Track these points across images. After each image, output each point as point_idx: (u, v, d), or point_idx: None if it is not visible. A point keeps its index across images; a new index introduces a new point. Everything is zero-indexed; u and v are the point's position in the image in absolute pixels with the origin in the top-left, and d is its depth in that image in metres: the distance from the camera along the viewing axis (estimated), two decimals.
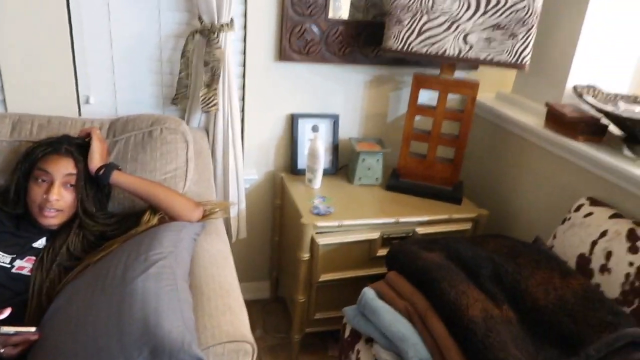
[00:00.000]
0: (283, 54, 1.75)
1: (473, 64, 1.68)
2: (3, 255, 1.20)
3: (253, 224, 1.97)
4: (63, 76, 1.60)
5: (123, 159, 1.44)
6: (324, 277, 1.63)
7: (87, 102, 1.67)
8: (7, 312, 1.01)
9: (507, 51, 1.54)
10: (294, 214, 1.70)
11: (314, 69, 1.83)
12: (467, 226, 1.70)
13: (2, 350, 1.00)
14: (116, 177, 1.31)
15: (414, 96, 1.75)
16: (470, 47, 1.57)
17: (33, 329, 1.03)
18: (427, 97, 1.89)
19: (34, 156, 1.30)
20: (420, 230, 1.65)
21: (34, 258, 1.24)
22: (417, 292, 1.22)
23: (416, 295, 1.21)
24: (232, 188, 1.76)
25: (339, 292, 1.68)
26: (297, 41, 1.74)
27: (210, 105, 1.63)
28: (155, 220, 1.33)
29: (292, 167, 1.90)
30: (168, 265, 1.10)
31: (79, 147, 1.33)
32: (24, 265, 1.21)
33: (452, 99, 1.90)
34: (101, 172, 1.30)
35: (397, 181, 1.84)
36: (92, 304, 1.03)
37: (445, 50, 1.59)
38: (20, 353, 1.03)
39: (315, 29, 1.74)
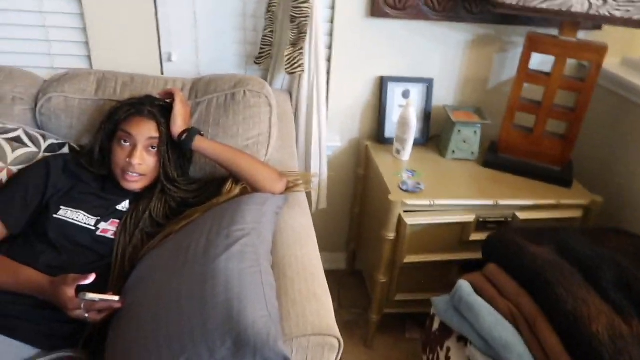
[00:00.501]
0: (376, 9, 1.57)
1: (605, 22, 1.41)
2: (88, 217, 1.18)
3: (333, 193, 1.86)
4: (146, 32, 1.53)
5: (205, 122, 1.37)
6: (410, 259, 1.51)
7: (169, 59, 1.60)
8: (92, 277, 0.99)
9: None
10: (379, 188, 1.57)
11: (408, 26, 1.64)
12: (576, 214, 1.49)
13: (86, 315, 0.99)
14: (198, 142, 1.24)
15: (525, 60, 1.52)
16: (604, 1, 1.32)
17: (117, 297, 1.00)
18: (537, 61, 1.64)
19: (117, 117, 1.25)
20: (522, 215, 1.47)
21: (117, 221, 1.21)
22: (523, 293, 1.07)
23: (523, 297, 1.06)
24: (314, 155, 1.65)
25: (424, 274, 1.56)
26: None
27: (295, 66, 1.50)
28: (237, 190, 1.25)
29: (378, 135, 1.75)
30: (251, 244, 1.02)
31: (161, 109, 1.26)
32: (108, 229, 1.19)
33: (573, 66, 1.65)
34: (184, 137, 1.23)
35: (496, 157, 1.65)
36: (174, 279, 0.97)
37: (571, 6, 1.35)
38: (104, 319, 1.02)
39: None
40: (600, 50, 1.44)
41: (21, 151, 1.26)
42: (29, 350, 1.02)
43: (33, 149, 1.28)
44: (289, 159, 1.47)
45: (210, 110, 1.38)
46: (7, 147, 1.24)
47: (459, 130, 1.63)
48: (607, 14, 1.33)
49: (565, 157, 1.58)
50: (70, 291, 0.97)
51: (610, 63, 1.69)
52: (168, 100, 1.29)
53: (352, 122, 1.77)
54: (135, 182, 1.22)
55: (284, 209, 1.27)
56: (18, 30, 1.51)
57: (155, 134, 1.22)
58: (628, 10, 1.30)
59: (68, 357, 1.03)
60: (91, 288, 0.98)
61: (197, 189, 1.31)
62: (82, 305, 0.98)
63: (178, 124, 1.24)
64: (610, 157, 1.67)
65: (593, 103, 1.68)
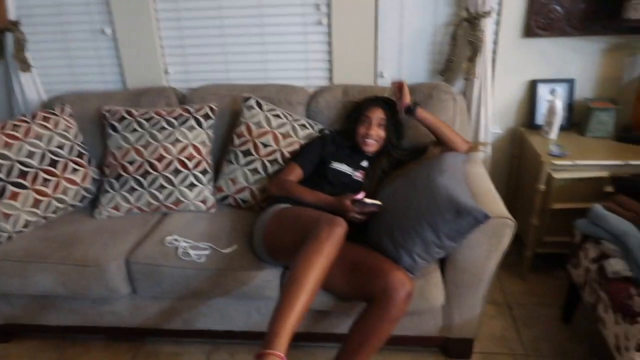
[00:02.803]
0: (529, 31, 2.21)
1: None
2: (348, 167, 1.98)
3: (494, 170, 2.48)
4: (367, 58, 2.36)
5: None
6: (556, 206, 2.07)
7: (381, 76, 2.41)
8: (362, 194, 1.73)
9: None
10: (531, 157, 2.17)
11: (554, 41, 2.24)
12: None
13: (357, 216, 1.72)
14: (420, 111, 1.93)
15: None
16: None
17: (379, 203, 1.70)
18: None
19: (360, 108, 2.06)
20: None
21: (363, 172, 1.99)
22: None
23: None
24: (481, 139, 2.31)
25: (567, 220, 2.07)
26: (541, 20, 2.18)
27: (470, 74, 2.20)
28: (437, 151, 1.97)
29: (530, 122, 2.35)
30: (455, 172, 1.72)
31: (385, 102, 2.04)
32: (358, 175, 1.98)
33: None
34: (412, 105, 1.93)
35: (628, 134, 2.14)
36: (409, 190, 1.70)
37: None
38: (365, 220, 1.75)
39: (558, 7, 2.15)
40: None
41: (305, 131, 2.14)
42: None
43: (311, 130, 2.15)
44: (465, 137, 2.15)
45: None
46: (299, 129, 2.13)
47: (597, 114, 2.17)
48: None
49: None
50: (348, 202, 1.72)
51: None
52: (395, 85, 1.99)
53: (509, 114, 2.40)
54: (371, 145, 2.00)
55: (468, 162, 1.95)
56: (288, 56, 2.44)
57: (383, 116, 2.00)
58: None
59: None
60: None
61: (409, 153, 2.05)
62: (359, 207, 1.72)
63: (408, 97, 1.95)
64: None
65: None
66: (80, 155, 2.21)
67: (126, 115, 2.18)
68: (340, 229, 1.47)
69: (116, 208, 2.10)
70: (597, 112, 2.16)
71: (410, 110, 1.93)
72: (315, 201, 1.81)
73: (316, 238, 1.44)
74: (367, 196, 1.71)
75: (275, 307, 1.36)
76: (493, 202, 1.66)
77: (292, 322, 1.31)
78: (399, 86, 2.00)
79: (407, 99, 1.95)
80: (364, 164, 2.03)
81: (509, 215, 1.59)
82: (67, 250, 1.87)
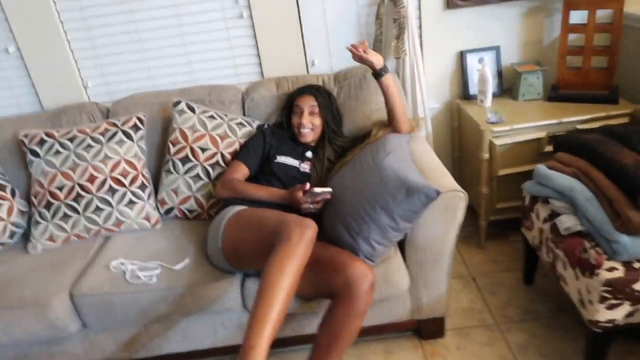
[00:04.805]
0: (450, 3, 2.23)
1: None
2: (293, 160, 1.92)
3: (437, 145, 2.51)
4: (296, 48, 2.30)
5: (349, 96, 2.09)
6: (502, 172, 2.11)
7: (312, 64, 2.36)
8: (308, 185, 1.67)
9: None
10: (471, 128, 2.20)
11: (475, 10, 2.27)
12: (624, 120, 2.02)
13: (311, 207, 1.68)
14: (388, 77, 1.82)
15: (565, 17, 2.11)
16: None
17: (330, 189, 1.66)
18: (576, 18, 2.20)
19: (291, 98, 2.01)
20: (581, 127, 2.03)
21: (309, 163, 1.94)
22: (580, 159, 1.65)
23: (580, 162, 1.64)
24: (420, 116, 2.31)
25: (515, 185, 2.13)
26: None
27: (400, 52, 2.20)
28: (380, 133, 1.95)
29: (464, 93, 2.39)
30: (400, 152, 1.70)
31: (316, 89, 2.00)
32: (305, 167, 1.93)
33: (603, 15, 2.19)
34: (383, 69, 1.81)
35: (557, 93, 2.22)
36: (358, 176, 1.67)
37: None
38: (319, 210, 1.71)
39: None
40: (619, 1, 1.99)
41: (244, 130, 2.06)
42: None
43: (249, 128, 2.07)
44: None
45: (350, 88, 2.10)
46: (236, 128, 2.04)
47: (525, 78, 2.23)
48: None
49: (610, 83, 2.12)
50: (300, 194, 1.67)
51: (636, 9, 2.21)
52: (353, 50, 1.82)
53: (443, 88, 2.43)
54: (306, 135, 1.95)
55: (412, 141, 1.94)
56: (213, 55, 2.33)
57: (314, 102, 1.95)
58: None
59: None
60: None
61: (351, 140, 2.02)
62: (310, 197, 1.68)
63: (379, 58, 1.80)
64: None
65: (627, 41, 2.21)
66: (1, 187, 2.01)
67: (46, 138, 2.01)
68: (311, 230, 1.42)
69: (51, 239, 1.94)
70: (526, 76, 2.22)
71: (379, 73, 1.81)
72: (269, 196, 1.76)
73: (288, 241, 1.38)
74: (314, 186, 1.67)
75: (250, 318, 1.29)
76: (442, 177, 1.66)
77: (268, 332, 1.25)
78: (359, 46, 1.81)
79: (379, 58, 1.81)
80: (309, 154, 1.98)
81: (460, 188, 1.60)
82: (1, 293, 1.70)
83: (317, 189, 1.65)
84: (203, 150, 1.99)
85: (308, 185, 1.66)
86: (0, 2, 2.15)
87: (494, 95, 2.31)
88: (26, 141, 2.02)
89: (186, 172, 1.99)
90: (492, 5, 2.26)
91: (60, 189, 1.94)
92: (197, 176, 1.99)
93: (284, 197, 1.73)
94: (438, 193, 1.47)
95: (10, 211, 2.00)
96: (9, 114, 2.37)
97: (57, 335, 1.70)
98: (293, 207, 1.70)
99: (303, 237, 1.40)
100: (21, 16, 2.18)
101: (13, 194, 2.05)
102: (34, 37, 2.22)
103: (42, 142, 2.00)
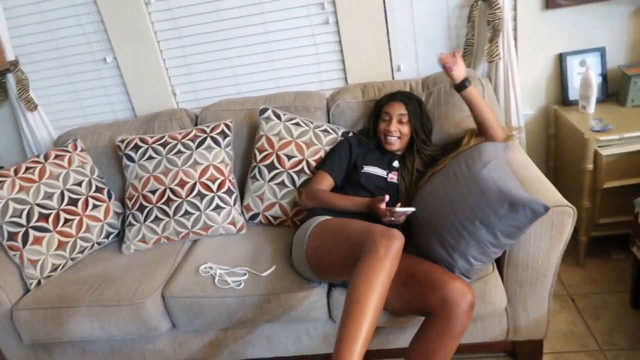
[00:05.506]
0: (550, 2, 2.08)
1: None
2: (381, 170, 1.86)
3: (529, 153, 2.35)
4: (381, 51, 2.24)
5: (438, 103, 2.00)
6: (607, 185, 1.93)
7: (398, 69, 2.29)
8: (387, 197, 1.60)
9: None
10: (571, 136, 2.04)
11: (577, 10, 2.10)
12: None
13: (392, 219, 1.59)
14: (472, 89, 1.73)
15: None
16: None
17: (413, 209, 1.60)
18: None
19: (380, 105, 1.95)
20: None
21: (396, 173, 1.88)
22: None
23: None
24: (513, 122, 2.18)
25: (621, 198, 1.95)
26: None
27: (493, 56, 2.08)
28: (472, 142, 1.84)
29: (562, 99, 2.22)
30: (498, 162, 1.59)
31: (407, 95, 1.92)
32: (393, 177, 1.87)
33: None
34: (467, 80, 1.73)
35: None
36: (452, 187, 1.58)
37: None
38: (400, 222, 1.63)
39: None
40: None
41: (329, 137, 2.03)
42: None
43: (334, 135, 2.04)
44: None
45: (440, 95, 2.01)
46: (322, 135, 2.02)
47: (635, 82, 2.03)
48: None
49: None
50: (383, 206, 1.61)
51: None
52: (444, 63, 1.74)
53: (539, 92, 2.27)
54: (393, 143, 1.88)
55: (508, 150, 1.82)
56: (298, 61, 2.33)
57: (404, 111, 1.88)
58: None
59: None
60: (393, 204, 1.63)
61: (440, 148, 1.93)
62: (389, 214, 1.61)
63: (462, 71, 1.72)
64: None
65: None
66: (99, 190, 2.12)
67: (141, 144, 2.08)
68: (398, 241, 1.36)
69: (143, 240, 2.01)
70: (636, 79, 2.03)
71: (462, 86, 1.73)
72: (353, 206, 1.73)
73: (374, 253, 1.33)
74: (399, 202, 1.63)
75: (339, 334, 1.25)
76: (545, 190, 1.54)
77: (359, 351, 1.21)
78: (451, 56, 1.73)
79: (462, 71, 1.72)
80: (396, 164, 1.91)
81: (568, 203, 1.47)
82: (99, 291, 1.78)
83: (399, 209, 1.56)
84: (289, 157, 1.98)
85: (387, 197, 1.60)
86: (102, 15, 2.28)
87: (598, 101, 2.13)
88: (122, 146, 2.11)
89: (271, 179, 1.99)
90: (597, 3, 2.08)
91: (153, 192, 2.00)
92: (282, 183, 1.98)
93: (367, 206, 1.69)
94: (547, 209, 1.35)
95: (107, 213, 2.09)
96: (105, 120, 2.51)
97: (149, 334, 1.75)
98: (375, 217, 1.65)
99: (390, 249, 1.34)
100: (119, 28, 2.29)
101: (110, 196, 2.15)
102: (130, 48, 2.33)
103: (136, 148, 2.08)
